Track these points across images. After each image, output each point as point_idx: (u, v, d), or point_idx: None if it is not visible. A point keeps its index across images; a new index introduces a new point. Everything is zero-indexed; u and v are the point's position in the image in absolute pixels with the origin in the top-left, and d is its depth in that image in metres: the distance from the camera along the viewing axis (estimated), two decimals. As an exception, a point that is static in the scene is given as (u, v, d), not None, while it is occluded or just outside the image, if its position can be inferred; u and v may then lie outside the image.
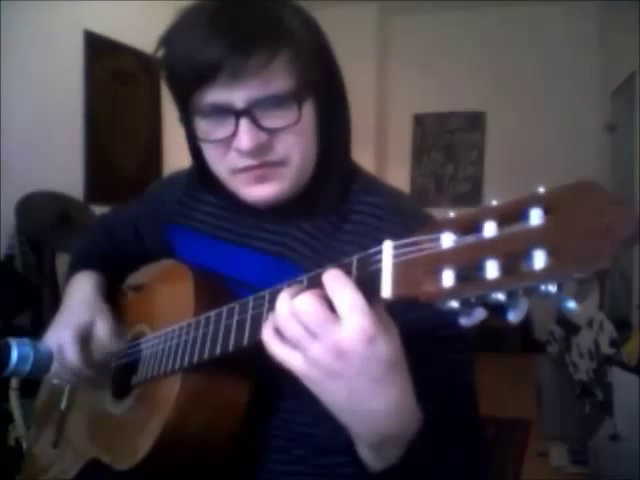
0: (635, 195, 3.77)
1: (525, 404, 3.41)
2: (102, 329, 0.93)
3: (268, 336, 0.60)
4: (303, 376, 0.58)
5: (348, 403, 0.58)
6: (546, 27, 5.33)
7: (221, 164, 0.80)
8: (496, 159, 5.54)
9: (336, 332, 0.55)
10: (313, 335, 0.56)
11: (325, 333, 0.55)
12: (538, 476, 2.78)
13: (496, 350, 4.30)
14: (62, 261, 2.88)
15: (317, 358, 0.56)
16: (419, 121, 5.85)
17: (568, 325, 2.94)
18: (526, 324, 4.92)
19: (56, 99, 3.46)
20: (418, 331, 0.60)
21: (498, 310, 0.45)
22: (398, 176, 5.57)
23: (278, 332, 0.60)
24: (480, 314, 0.47)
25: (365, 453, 0.65)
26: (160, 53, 0.79)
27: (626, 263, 3.96)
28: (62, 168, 3.48)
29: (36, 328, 2.75)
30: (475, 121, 5.67)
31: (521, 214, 0.44)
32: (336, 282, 0.56)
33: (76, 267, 1.06)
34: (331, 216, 0.84)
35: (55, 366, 0.93)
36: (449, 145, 5.79)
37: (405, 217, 0.79)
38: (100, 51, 3.75)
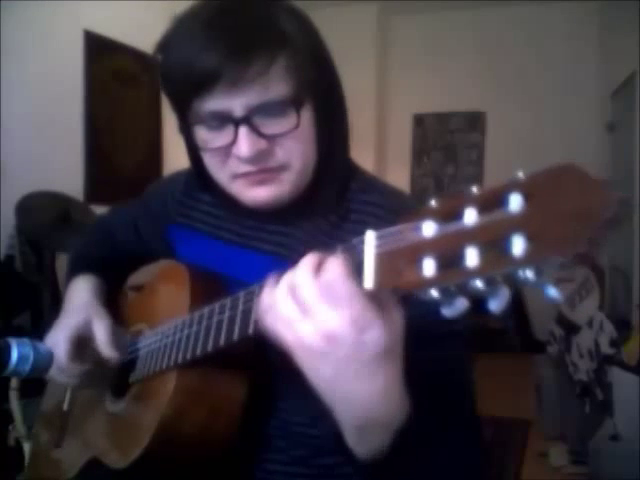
0: (635, 195, 3.77)
1: (525, 404, 3.41)
2: (99, 331, 0.93)
3: (264, 307, 0.61)
4: (291, 351, 0.58)
5: (331, 384, 0.58)
6: (546, 27, 5.33)
7: (221, 171, 0.80)
8: (496, 159, 5.54)
9: (329, 314, 0.55)
10: (305, 312, 0.56)
11: (318, 313, 0.55)
12: (538, 476, 2.78)
13: (496, 350, 4.30)
14: (62, 261, 2.88)
15: (305, 336, 0.56)
16: (419, 121, 5.85)
17: (568, 325, 2.94)
18: (526, 324, 4.93)
19: (56, 99, 3.46)
20: (413, 329, 0.60)
21: (479, 300, 0.45)
22: (398, 176, 5.57)
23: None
24: (462, 304, 0.47)
25: (349, 436, 0.64)
26: (157, 59, 0.78)
27: (626, 262, 3.96)
28: (62, 168, 3.48)
29: (36, 328, 2.75)
30: (475, 121, 5.67)
31: (501, 200, 0.44)
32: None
33: (75, 270, 1.07)
34: (331, 216, 0.83)
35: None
36: (449, 145, 5.79)
37: (404, 216, 0.79)
38: (100, 51, 3.75)
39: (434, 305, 0.48)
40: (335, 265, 0.56)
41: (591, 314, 2.81)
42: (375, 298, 0.55)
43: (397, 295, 0.55)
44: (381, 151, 5.71)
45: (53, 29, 3.44)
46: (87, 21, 3.64)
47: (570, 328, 2.92)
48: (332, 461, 0.83)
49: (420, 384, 0.62)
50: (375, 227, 0.80)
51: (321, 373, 0.58)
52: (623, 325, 3.05)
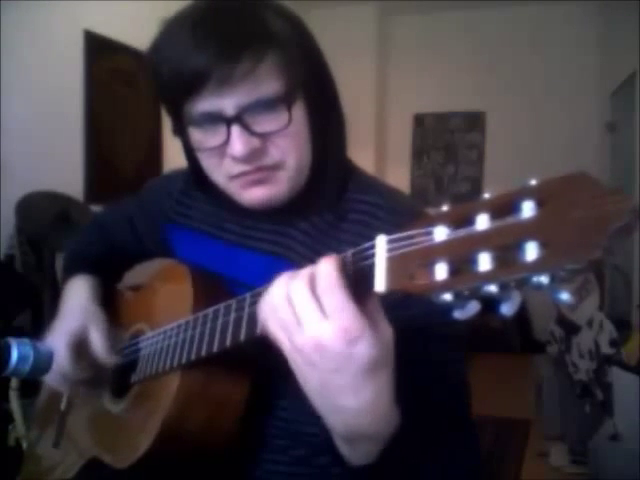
0: (635, 195, 3.77)
1: (525, 404, 3.41)
2: (95, 335, 0.93)
3: (266, 308, 0.61)
4: (287, 356, 0.59)
5: (319, 393, 0.59)
6: (546, 27, 5.33)
7: (217, 172, 0.80)
8: (496, 159, 5.54)
9: (320, 325, 0.55)
10: (299, 322, 0.56)
11: (310, 323, 0.56)
12: (538, 476, 2.78)
13: (496, 350, 4.31)
14: (62, 261, 2.87)
15: (298, 344, 0.57)
16: (419, 121, 5.85)
17: (568, 325, 2.94)
18: (526, 324, 4.93)
19: (56, 99, 3.46)
20: (411, 329, 0.60)
21: (491, 304, 0.46)
22: (398, 176, 5.57)
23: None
24: (474, 307, 0.47)
25: (340, 445, 0.65)
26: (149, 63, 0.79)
27: (626, 263, 3.96)
28: (62, 168, 3.47)
29: (36, 328, 2.75)
30: (475, 121, 5.67)
31: (513, 207, 0.44)
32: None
33: (70, 270, 1.07)
34: (328, 215, 0.84)
35: (50, 372, 0.93)
36: (449, 145, 5.80)
37: (402, 216, 0.79)
38: (100, 51, 3.75)
39: (435, 307, 0.48)
40: (327, 275, 0.56)
41: (591, 314, 2.81)
42: (365, 311, 0.55)
43: (407, 296, 0.55)
44: (381, 151, 5.71)
45: (53, 29, 3.44)
46: (87, 21, 3.64)
47: (570, 328, 2.92)
48: (331, 460, 0.83)
49: (413, 386, 0.62)
50: (373, 227, 0.80)
51: (309, 382, 0.59)
52: (623, 325, 3.06)
